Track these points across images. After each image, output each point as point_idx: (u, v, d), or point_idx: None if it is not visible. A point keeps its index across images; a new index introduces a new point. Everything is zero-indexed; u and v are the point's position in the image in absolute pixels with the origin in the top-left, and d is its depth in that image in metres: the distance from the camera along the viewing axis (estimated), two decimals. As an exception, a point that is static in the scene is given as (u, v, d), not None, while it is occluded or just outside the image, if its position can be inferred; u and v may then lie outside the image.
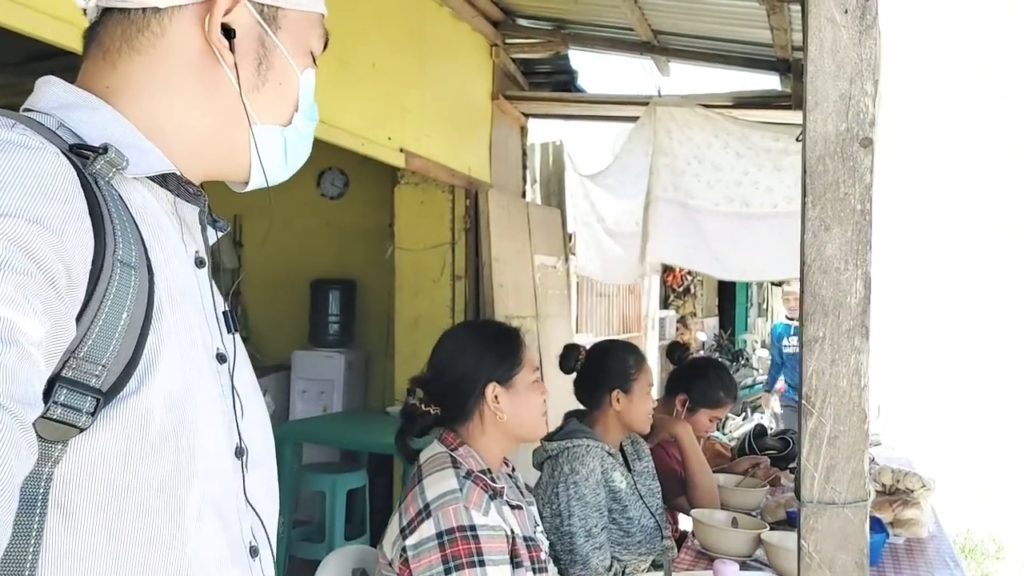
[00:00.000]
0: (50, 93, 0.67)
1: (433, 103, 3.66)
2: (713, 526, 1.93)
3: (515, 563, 1.35)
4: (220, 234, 0.77)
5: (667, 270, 9.37)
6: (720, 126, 3.99)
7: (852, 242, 0.92)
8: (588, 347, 2.12)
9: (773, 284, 13.27)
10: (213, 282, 0.74)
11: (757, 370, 9.18)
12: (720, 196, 3.97)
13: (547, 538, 1.80)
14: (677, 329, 9.59)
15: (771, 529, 1.92)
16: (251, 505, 0.72)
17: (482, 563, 1.27)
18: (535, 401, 1.49)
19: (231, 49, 0.70)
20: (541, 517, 1.79)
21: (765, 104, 3.99)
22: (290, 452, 3.74)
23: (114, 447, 0.58)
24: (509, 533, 1.35)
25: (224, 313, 0.71)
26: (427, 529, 1.29)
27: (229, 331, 0.74)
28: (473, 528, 1.28)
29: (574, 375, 2.08)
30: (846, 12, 0.93)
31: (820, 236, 0.93)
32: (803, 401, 0.94)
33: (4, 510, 0.47)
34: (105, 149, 0.61)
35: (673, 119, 4.09)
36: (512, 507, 1.43)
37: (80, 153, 0.60)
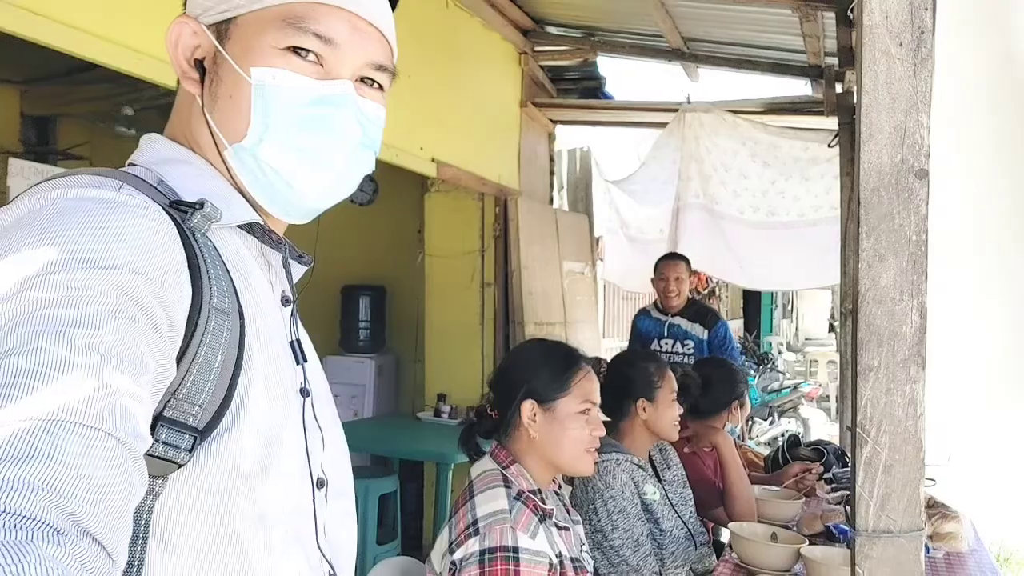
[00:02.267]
0: (152, 150, 0.72)
1: (464, 112, 3.69)
2: (752, 540, 1.93)
3: None
4: (305, 269, 0.80)
5: (692, 273, 9.32)
6: (748, 134, 3.98)
7: (907, 272, 0.93)
8: (609, 360, 2.13)
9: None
10: (298, 318, 0.77)
11: (784, 374, 9.10)
12: (745, 204, 3.97)
13: (592, 553, 1.82)
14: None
15: (810, 543, 1.92)
16: (331, 533, 0.75)
17: None
18: (577, 434, 1.46)
19: (201, 81, 0.71)
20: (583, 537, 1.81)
21: (796, 110, 3.97)
22: (323, 457, 3.79)
23: (209, 482, 0.62)
24: (555, 558, 1.36)
25: (292, 343, 0.74)
26: (472, 545, 1.31)
27: (297, 362, 0.77)
28: (516, 551, 1.29)
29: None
30: (901, 45, 0.94)
31: (875, 267, 0.94)
32: (858, 429, 0.95)
33: (124, 537, 0.51)
34: (202, 205, 0.65)
35: (702, 125, 4.09)
36: (560, 528, 1.45)
37: (179, 208, 0.64)
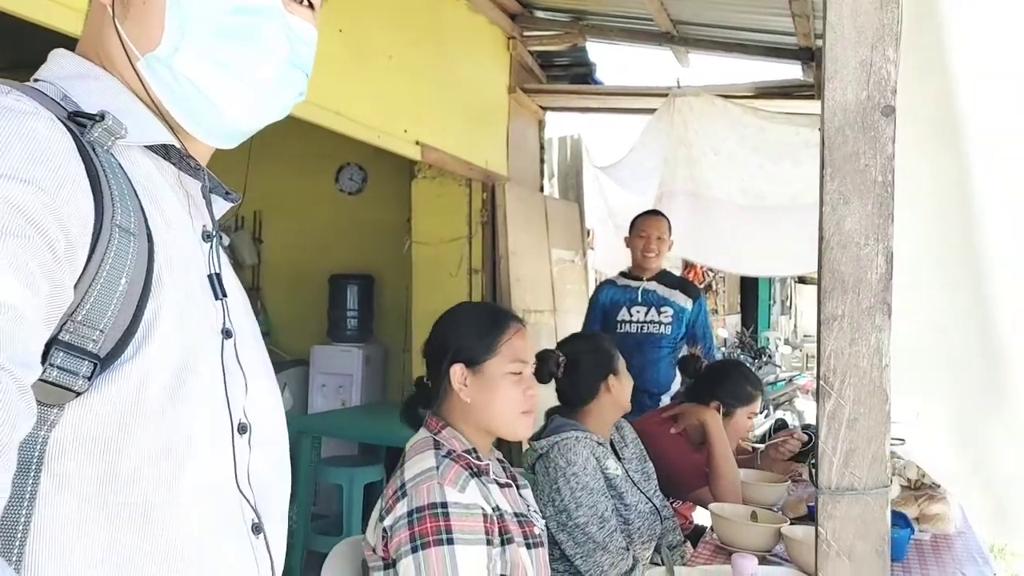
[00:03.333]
0: (57, 64, 0.68)
1: (449, 96, 3.64)
2: (732, 520, 1.88)
3: (505, 539, 1.32)
4: (231, 206, 0.76)
5: (688, 267, 9.28)
6: (737, 119, 3.92)
7: (873, 216, 0.88)
8: (561, 348, 2.07)
9: (796, 281, 13.09)
10: (223, 255, 0.73)
11: (780, 367, 9.06)
12: (735, 188, 3.91)
13: (557, 535, 1.77)
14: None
15: (792, 524, 1.87)
16: (257, 482, 0.71)
17: (451, 541, 1.22)
18: (509, 395, 1.41)
19: None
20: (544, 517, 1.74)
21: (786, 94, 3.93)
22: (308, 445, 3.75)
23: (110, 413, 0.57)
24: (491, 511, 1.31)
25: (210, 277, 0.69)
26: (401, 508, 1.27)
27: (216, 297, 0.71)
28: (444, 505, 1.25)
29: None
30: (866, -25, 0.89)
31: (839, 210, 0.90)
32: (821, 382, 0.91)
33: (5, 469, 0.48)
34: (102, 117, 0.60)
35: (691, 110, 4.04)
36: (501, 485, 1.40)
37: (78, 121, 0.60)
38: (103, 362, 0.56)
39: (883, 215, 0.88)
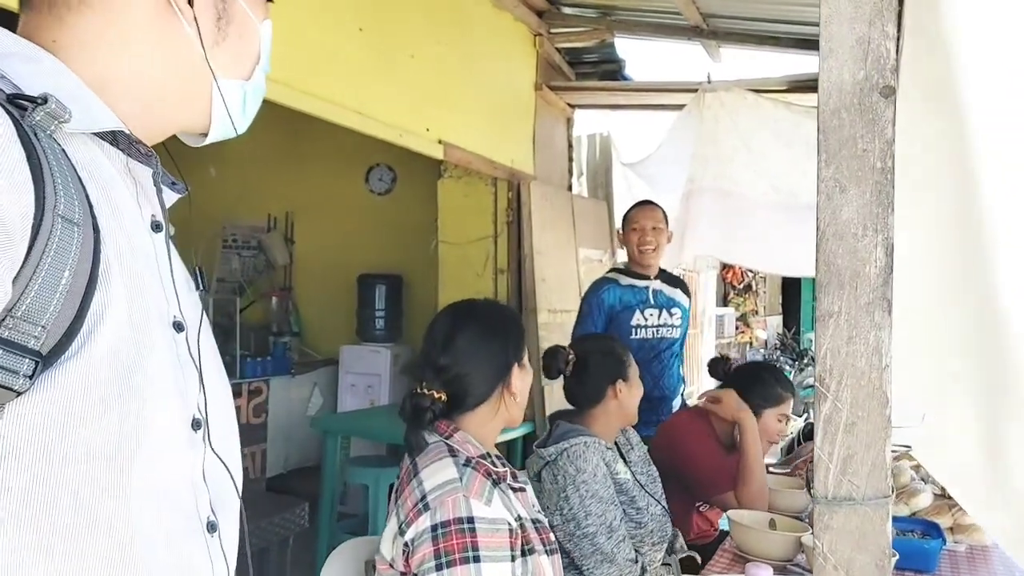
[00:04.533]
0: None
1: (473, 94, 3.62)
2: (750, 527, 1.81)
3: (527, 550, 1.28)
4: (178, 196, 0.73)
5: (726, 266, 9.11)
6: (769, 113, 3.81)
7: (871, 204, 0.82)
8: (573, 346, 2.01)
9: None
10: (172, 247, 0.71)
11: (814, 366, 8.81)
12: (767, 186, 3.79)
13: (565, 544, 1.72)
14: (737, 327, 9.32)
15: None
16: (213, 478, 0.69)
17: (477, 559, 1.18)
18: (530, 380, 1.45)
19: (190, 3, 0.68)
20: (552, 527, 1.69)
21: (821, 87, 3.79)
22: (334, 445, 3.76)
23: (54, 412, 0.55)
24: (515, 523, 1.27)
25: (163, 271, 0.67)
26: (424, 522, 1.22)
27: (197, 288, 0.72)
28: (471, 520, 1.20)
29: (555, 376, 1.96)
30: (864, -54, 0.83)
31: (835, 198, 0.84)
32: (817, 383, 0.85)
33: None
34: (45, 100, 0.57)
35: (722, 105, 3.94)
36: (515, 490, 1.36)
37: (18, 104, 0.57)
38: (45, 359, 0.54)
39: (882, 204, 0.82)
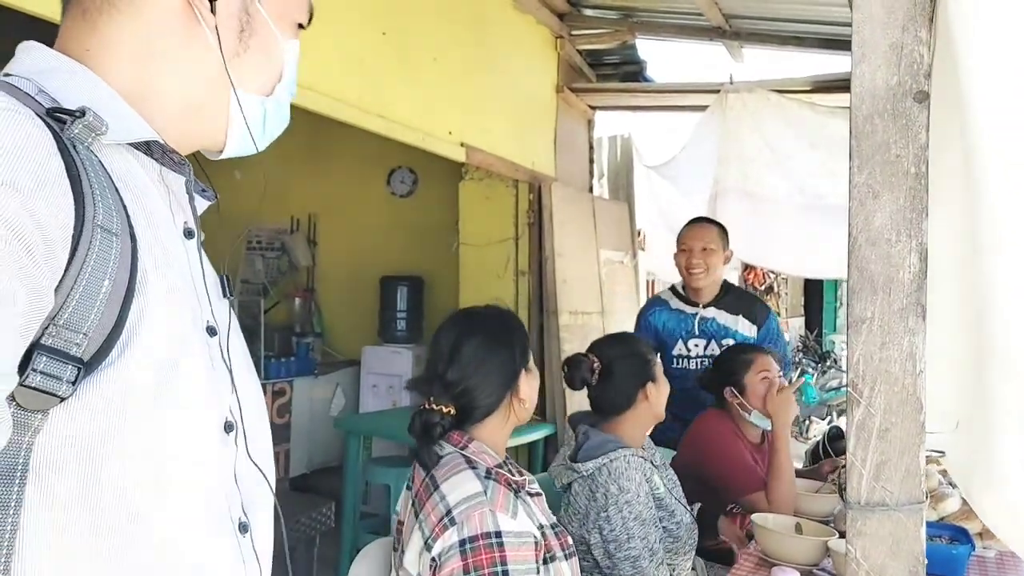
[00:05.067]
0: (30, 58, 0.65)
1: (495, 97, 3.63)
2: (774, 531, 1.80)
3: (548, 557, 1.28)
4: (208, 204, 0.75)
5: (747, 268, 9.04)
6: (793, 114, 3.78)
7: (905, 210, 0.82)
8: (595, 351, 1.92)
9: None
10: (203, 253, 0.72)
11: (846, 372, 8.70)
12: (793, 187, 3.77)
13: (603, 561, 1.69)
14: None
15: (841, 537, 1.78)
16: (244, 480, 0.70)
17: (505, 573, 1.19)
18: (537, 383, 1.46)
19: (212, 11, 0.68)
20: (589, 545, 1.69)
21: (845, 88, 3.75)
22: (356, 445, 3.79)
23: (95, 418, 0.56)
24: (538, 533, 1.27)
25: (196, 277, 0.69)
26: (450, 536, 1.22)
27: (224, 295, 0.73)
28: (499, 535, 1.20)
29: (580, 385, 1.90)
30: (897, -49, 0.83)
31: (868, 204, 0.83)
32: (850, 389, 0.85)
33: None
34: (83, 113, 0.59)
35: (745, 106, 3.92)
36: (532, 495, 1.36)
37: (57, 117, 0.58)
38: (87, 366, 0.55)
39: (916, 209, 0.82)
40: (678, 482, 1.96)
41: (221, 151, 0.76)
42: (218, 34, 0.69)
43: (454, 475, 1.29)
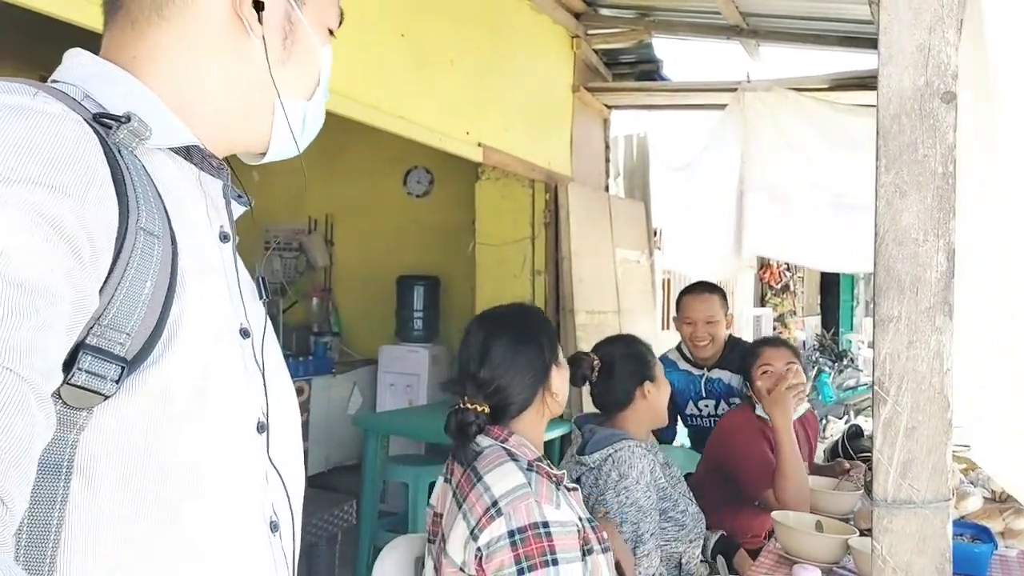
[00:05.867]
0: (76, 64, 0.67)
1: (512, 97, 3.65)
2: (795, 529, 1.80)
3: (587, 550, 1.30)
4: (244, 209, 0.77)
5: (763, 267, 9.00)
6: (813, 112, 3.77)
7: (932, 209, 0.83)
8: (596, 351, 1.97)
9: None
10: (238, 256, 0.74)
11: (863, 371, 8.65)
12: (814, 184, 3.76)
13: None
14: (774, 328, 9.19)
15: (862, 535, 1.78)
16: (275, 480, 0.71)
17: (555, 562, 1.21)
18: (567, 376, 1.48)
19: (260, 21, 0.70)
20: None
21: (864, 85, 3.74)
22: (374, 443, 3.81)
23: (138, 415, 0.58)
24: (579, 524, 1.30)
25: (232, 280, 0.70)
26: (499, 527, 1.24)
27: (260, 297, 0.74)
28: (546, 525, 1.23)
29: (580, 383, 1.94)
30: (924, -48, 0.84)
31: (895, 204, 0.84)
32: (876, 387, 0.85)
33: (22, 482, 0.48)
34: (128, 118, 0.61)
35: (763, 105, 3.91)
36: (569, 490, 1.38)
37: (103, 122, 0.60)
38: (130, 365, 0.57)
39: (943, 209, 0.82)
40: (682, 479, 1.98)
41: (263, 154, 0.77)
42: (265, 45, 0.70)
43: (497, 467, 1.32)
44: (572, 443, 1.94)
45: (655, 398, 1.91)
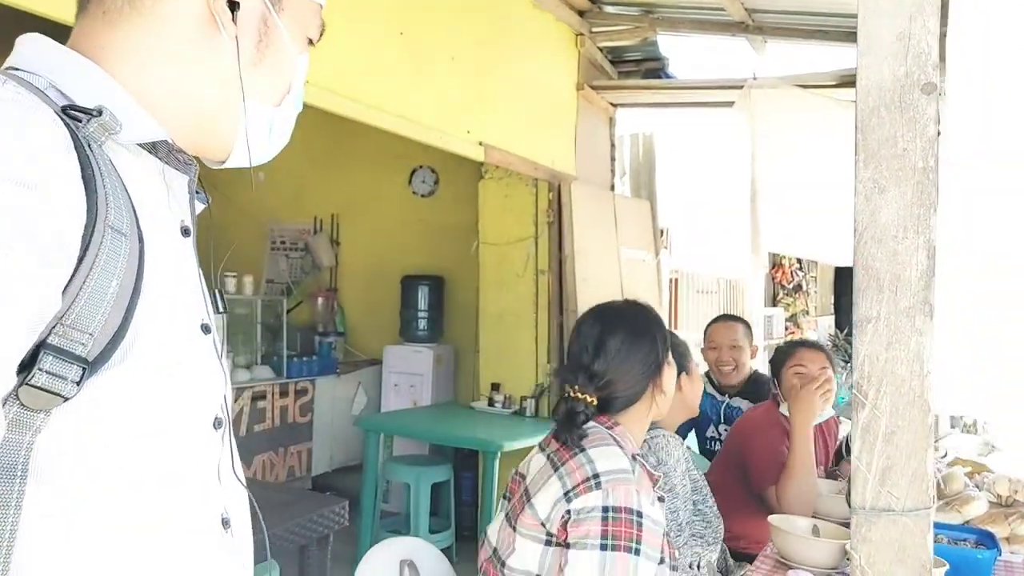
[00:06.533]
0: (36, 52, 0.64)
1: (514, 96, 3.62)
2: (792, 533, 1.77)
3: (661, 558, 1.29)
4: (202, 207, 0.75)
5: (775, 266, 8.92)
6: (819, 109, 3.72)
7: (912, 205, 0.79)
8: None
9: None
10: (195, 253, 0.72)
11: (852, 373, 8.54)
12: (825, 181, 3.71)
13: None
14: (786, 328, 9.12)
15: (861, 540, 1.74)
16: (228, 475, 0.71)
17: (638, 551, 1.21)
18: (675, 376, 1.49)
19: (233, 21, 0.68)
20: None
21: (872, 81, 3.68)
22: (375, 444, 3.80)
23: (97, 416, 0.57)
24: (664, 529, 1.31)
25: (191, 275, 0.69)
26: (595, 499, 1.25)
27: (217, 311, 0.73)
28: (640, 515, 1.24)
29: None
30: (904, -62, 0.80)
31: (874, 200, 0.81)
32: (855, 391, 0.82)
33: None
34: (100, 112, 0.59)
35: (770, 101, 3.86)
36: (659, 499, 1.38)
37: (72, 115, 0.58)
38: (91, 365, 0.55)
39: (924, 204, 0.79)
40: (704, 477, 1.97)
41: (223, 161, 0.75)
42: (238, 45, 0.69)
43: (602, 445, 1.33)
44: None
45: (689, 391, 1.92)
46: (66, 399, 0.54)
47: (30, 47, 0.65)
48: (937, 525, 1.48)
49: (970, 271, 0.86)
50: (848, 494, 0.83)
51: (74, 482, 0.56)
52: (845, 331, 10.31)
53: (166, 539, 0.63)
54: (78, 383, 0.54)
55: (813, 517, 2.00)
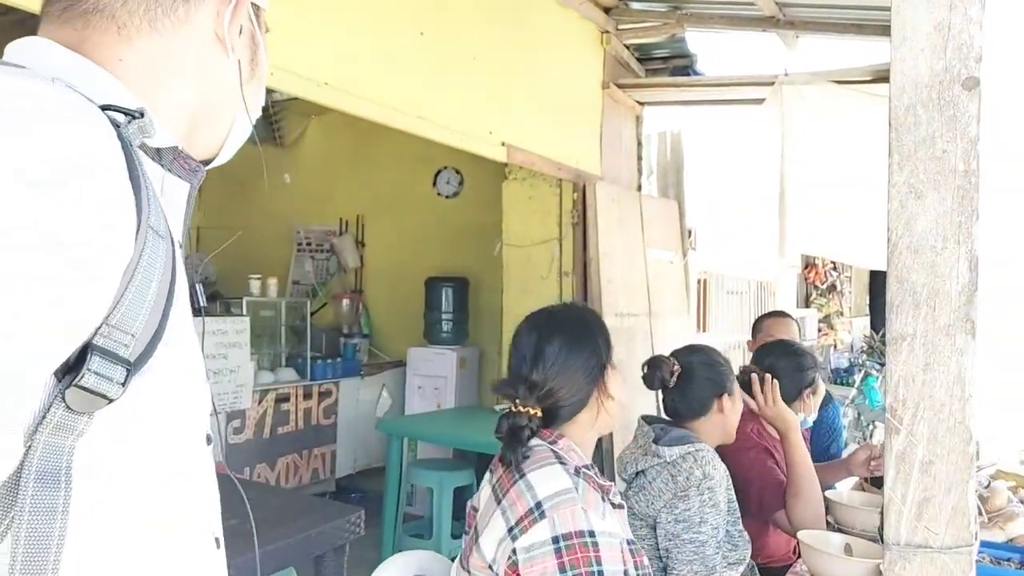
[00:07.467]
0: (43, 53, 0.64)
1: (538, 95, 3.56)
2: (824, 552, 1.68)
3: (624, 571, 1.22)
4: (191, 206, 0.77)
5: (808, 266, 8.74)
6: (854, 106, 3.60)
7: (952, 213, 0.72)
8: (675, 357, 1.89)
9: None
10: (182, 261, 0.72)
11: (885, 394, 8.32)
12: (859, 180, 3.59)
13: (663, 543, 1.66)
14: (820, 330, 8.93)
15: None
16: (214, 492, 0.71)
17: (601, 573, 1.16)
18: (622, 379, 1.40)
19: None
20: (656, 525, 1.68)
21: (909, 76, 3.55)
22: (398, 447, 3.78)
23: (136, 420, 0.57)
24: (623, 541, 1.24)
25: (193, 287, 0.70)
26: (541, 532, 1.18)
27: (196, 314, 0.72)
28: (592, 534, 1.17)
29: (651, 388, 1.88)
30: (944, -82, 0.73)
31: (909, 206, 0.74)
32: (888, 415, 0.75)
33: None
34: (141, 114, 0.60)
35: (803, 99, 3.75)
36: (615, 506, 1.31)
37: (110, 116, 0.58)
38: (133, 367, 0.55)
39: (965, 212, 0.72)
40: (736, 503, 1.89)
41: (206, 163, 0.77)
42: (239, 64, 0.74)
43: (543, 467, 1.26)
44: (635, 438, 1.87)
45: (730, 413, 1.86)
46: (111, 401, 0.54)
47: (31, 48, 0.65)
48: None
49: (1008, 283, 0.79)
50: (880, 527, 0.75)
51: (106, 484, 0.57)
52: (880, 332, 10.08)
53: (178, 537, 0.63)
54: (123, 384, 0.54)
55: (838, 530, 1.91)
